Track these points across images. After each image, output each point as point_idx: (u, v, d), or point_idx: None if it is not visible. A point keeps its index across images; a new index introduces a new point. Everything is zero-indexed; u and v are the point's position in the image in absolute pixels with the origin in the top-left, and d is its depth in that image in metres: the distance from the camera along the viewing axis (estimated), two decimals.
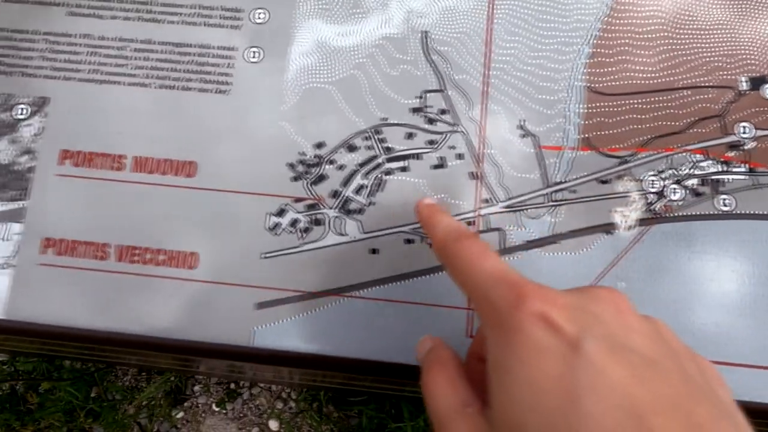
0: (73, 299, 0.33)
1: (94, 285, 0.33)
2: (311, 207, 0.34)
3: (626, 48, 0.35)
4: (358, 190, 0.34)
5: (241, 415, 0.84)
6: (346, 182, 0.34)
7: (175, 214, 0.34)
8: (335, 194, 0.34)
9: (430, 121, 0.35)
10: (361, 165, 0.34)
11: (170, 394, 0.84)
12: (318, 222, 0.33)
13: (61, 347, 0.38)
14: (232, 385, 0.85)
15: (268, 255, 0.33)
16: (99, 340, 0.33)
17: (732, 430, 0.17)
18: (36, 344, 0.39)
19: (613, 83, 0.34)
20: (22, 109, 0.35)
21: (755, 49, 0.34)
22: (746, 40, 0.35)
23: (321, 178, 0.34)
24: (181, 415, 0.84)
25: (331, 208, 0.34)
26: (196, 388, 0.85)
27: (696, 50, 0.35)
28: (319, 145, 0.35)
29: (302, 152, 0.34)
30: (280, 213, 0.34)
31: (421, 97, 0.35)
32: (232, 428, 0.83)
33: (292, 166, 0.34)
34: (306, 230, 0.33)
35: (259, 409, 0.84)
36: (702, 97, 0.34)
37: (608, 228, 0.33)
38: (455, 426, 0.21)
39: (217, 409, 0.84)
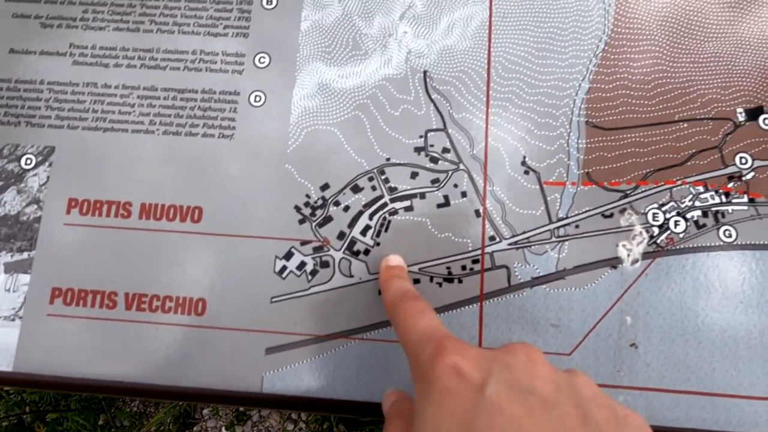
0: (82, 349, 0.33)
1: (103, 334, 0.33)
2: (318, 249, 0.34)
3: (623, 82, 0.35)
4: (364, 230, 0.34)
5: None
6: (352, 223, 0.34)
7: (182, 260, 0.34)
8: (341, 236, 0.34)
9: (433, 159, 0.35)
10: (366, 206, 0.34)
11: (179, 419, 0.84)
12: (325, 264, 0.34)
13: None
14: (242, 408, 0.84)
15: (276, 299, 0.33)
16: (108, 390, 0.33)
17: None
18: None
19: (612, 118, 0.35)
20: (28, 159, 0.36)
21: (751, 80, 0.35)
22: (742, 71, 0.35)
23: (327, 220, 0.34)
24: None
25: (337, 250, 0.34)
26: (205, 411, 0.84)
27: (692, 83, 0.35)
28: (324, 187, 0.35)
29: (308, 194, 0.35)
30: (287, 256, 0.34)
31: (423, 137, 0.35)
32: None
33: (298, 208, 0.35)
34: (313, 273, 0.34)
35: None
36: (700, 129, 0.34)
37: (613, 262, 0.33)
38: None
39: None
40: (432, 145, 0.35)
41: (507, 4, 0.37)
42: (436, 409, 0.21)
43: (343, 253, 0.34)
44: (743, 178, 0.34)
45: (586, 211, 0.34)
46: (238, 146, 0.36)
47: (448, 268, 0.33)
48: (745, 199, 0.33)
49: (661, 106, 0.35)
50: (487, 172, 0.35)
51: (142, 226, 0.35)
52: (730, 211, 0.33)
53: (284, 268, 0.34)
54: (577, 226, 0.34)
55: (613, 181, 0.34)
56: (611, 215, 0.34)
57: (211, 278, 0.34)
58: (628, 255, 0.33)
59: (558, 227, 0.34)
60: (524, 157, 0.35)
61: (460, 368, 0.21)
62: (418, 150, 0.35)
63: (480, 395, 0.20)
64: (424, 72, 0.36)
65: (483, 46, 0.37)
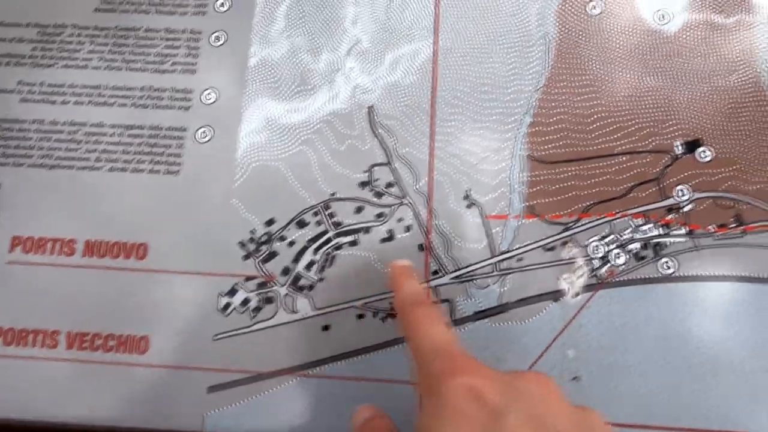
0: (23, 391, 0.33)
1: (44, 375, 0.33)
2: (262, 285, 0.34)
3: (564, 116, 0.36)
4: (309, 266, 0.34)
5: None
6: (297, 259, 0.34)
7: (126, 298, 0.34)
8: (286, 271, 0.34)
9: (378, 194, 0.35)
10: (312, 241, 0.35)
11: None
12: (269, 300, 0.34)
13: None
14: None
15: (219, 336, 0.33)
16: (47, 431, 0.32)
17: None
18: None
19: (554, 151, 0.35)
20: None
21: (688, 113, 0.36)
22: (679, 105, 0.36)
23: (271, 256, 0.34)
24: None
25: (281, 286, 0.34)
26: None
27: (631, 117, 0.36)
28: (270, 222, 0.35)
29: (253, 230, 0.35)
30: (232, 292, 0.34)
31: (368, 171, 0.36)
32: None
33: (242, 244, 0.35)
34: (257, 309, 0.34)
35: None
36: (639, 162, 0.35)
37: (555, 295, 0.33)
38: None
39: None
40: (377, 180, 0.36)
41: (451, 40, 0.38)
42: (447, 429, 0.20)
43: (288, 288, 0.34)
44: (682, 210, 0.34)
45: (528, 245, 0.34)
46: (184, 182, 0.36)
47: (391, 303, 0.33)
48: (684, 231, 0.34)
49: (601, 140, 0.36)
50: (431, 206, 0.35)
51: (86, 264, 0.35)
52: (669, 243, 0.34)
53: (228, 304, 0.34)
54: (519, 260, 0.34)
55: (554, 214, 0.35)
56: (553, 248, 0.34)
57: (155, 316, 0.34)
58: (570, 288, 0.33)
59: (500, 261, 0.34)
60: (468, 191, 0.35)
61: (477, 390, 0.20)
62: (363, 185, 0.35)
63: (497, 423, 0.19)
64: (370, 107, 0.37)
65: (427, 81, 0.37)
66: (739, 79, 0.36)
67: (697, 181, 0.35)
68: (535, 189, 0.35)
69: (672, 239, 0.34)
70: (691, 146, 0.35)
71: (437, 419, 0.20)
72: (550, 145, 0.36)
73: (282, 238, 0.35)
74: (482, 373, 0.21)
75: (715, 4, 0.38)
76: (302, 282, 0.34)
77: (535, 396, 0.20)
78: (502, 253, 0.34)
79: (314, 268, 0.34)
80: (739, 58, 0.37)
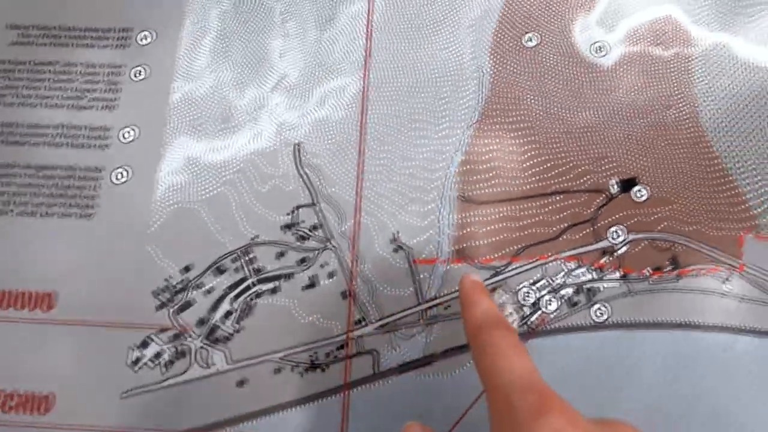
0: None
1: None
2: (176, 337, 0.32)
3: (497, 154, 0.35)
4: (226, 316, 0.32)
5: None
6: (214, 308, 0.33)
7: (30, 352, 0.32)
8: (201, 322, 0.32)
9: (302, 238, 0.34)
10: (230, 288, 0.33)
11: None
12: (182, 353, 0.32)
13: None
14: None
15: (128, 393, 0.31)
16: None
17: None
18: None
19: (485, 191, 0.34)
20: None
21: (624, 150, 0.34)
22: (615, 141, 0.35)
23: (187, 305, 0.33)
24: None
25: (196, 338, 0.32)
26: None
27: (566, 154, 0.34)
28: (186, 269, 0.33)
29: (168, 277, 0.33)
30: (143, 345, 0.32)
31: (292, 213, 0.34)
32: None
33: (157, 293, 0.33)
34: (169, 363, 0.32)
35: None
36: (574, 202, 0.34)
37: None
38: None
39: None
40: (301, 222, 0.34)
41: (382, 73, 0.37)
42: None
43: (202, 341, 0.32)
44: (616, 253, 0.33)
45: (456, 290, 0.32)
46: (97, 227, 0.34)
47: (311, 355, 0.32)
48: (618, 275, 0.32)
49: (534, 179, 0.34)
50: (357, 251, 0.33)
51: None
52: (602, 288, 0.32)
53: (139, 358, 0.32)
54: (446, 307, 0.32)
55: (485, 257, 0.33)
56: None
57: (61, 371, 0.32)
58: None
59: (427, 308, 0.32)
60: (395, 234, 0.33)
61: None
62: (286, 228, 0.34)
63: None
64: (296, 145, 0.35)
65: (356, 117, 0.36)
66: (676, 115, 0.35)
67: (632, 221, 0.33)
68: (465, 231, 0.33)
69: (605, 284, 0.32)
70: (627, 185, 0.34)
71: None
72: (481, 185, 0.34)
73: (199, 286, 0.33)
74: (575, 419, 0.19)
75: (653, 36, 0.37)
76: (218, 333, 0.32)
77: None
78: (430, 300, 0.32)
79: (232, 318, 0.32)
80: (676, 92, 0.35)
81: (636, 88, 0.36)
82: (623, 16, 0.37)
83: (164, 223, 0.34)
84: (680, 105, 0.35)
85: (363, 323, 0.32)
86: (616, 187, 0.34)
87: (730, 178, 0.34)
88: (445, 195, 0.34)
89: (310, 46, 0.37)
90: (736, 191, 0.33)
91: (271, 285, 0.33)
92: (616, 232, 0.33)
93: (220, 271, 0.33)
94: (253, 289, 0.33)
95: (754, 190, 0.33)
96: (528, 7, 0.37)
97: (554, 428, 0.19)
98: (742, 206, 0.33)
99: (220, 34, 0.38)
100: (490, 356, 0.22)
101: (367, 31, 0.37)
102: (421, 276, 0.33)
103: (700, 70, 0.36)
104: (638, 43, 0.37)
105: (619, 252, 0.33)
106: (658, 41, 0.37)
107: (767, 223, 0.33)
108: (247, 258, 0.33)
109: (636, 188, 0.34)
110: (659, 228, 0.33)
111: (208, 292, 0.33)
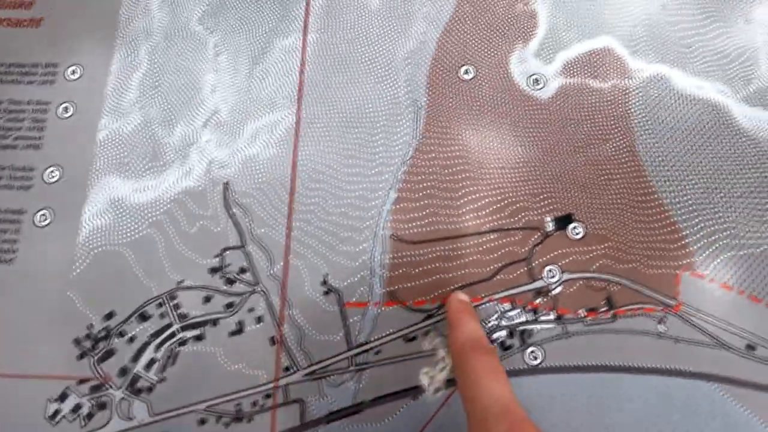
0: None
1: None
2: (96, 388, 0.31)
3: (432, 191, 0.34)
4: (149, 365, 0.31)
5: None
6: (136, 357, 0.31)
7: None
8: (123, 372, 0.31)
9: (229, 281, 0.33)
10: (154, 336, 0.32)
11: None
12: (102, 405, 0.31)
13: None
14: None
15: None
16: None
17: None
18: None
19: (419, 230, 0.33)
20: None
21: (560, 186, 0.34)
22: (551, 176, 0.34)
23: (109, 354, 0.31)
24: None
25: (117, 389, 0.31)
26: None
27: (501, 190, 0.34)
28: (109, 316, 0.32)
29: (90, 325, 0.32)
30: (62, 398, 0.31)
31: (219, 256, 0.33)
32: None
33: (77, 341, 0.32)
34: (89, 416, 0.30)
35: None
36: (509, 240, 0.33)
37: (414, 392, 0.30)
38: None
39: None
40: (228, 265, 0.33)
41: (315, 109, 0.36)
42: None
43: (124, 391, 0.31)
44: (551, 293, 0.32)
45: (387, 335, 0.32)
46: (17, 272, 0.33)
47: (237, 405, 0.31)
48: (552, 316, 0.32)
49: (470, 216, 0.33)
50: (286, 294, 0.32)
51: None
52: (537, 330, 0.31)
53: (57, 412, 0.30)
54: (377, 352, 0.31)
55: (417, 300, 0.32)
56: (414, 338, 0.31)
57: None
58: (431, 383, 0.30)
59: (357, 354, 0.31)
60: (325, 276, 0.33)
61: None
62: (213, 271, 0.33)
63: None
64: (225, 184, 0.34)
65: (288, 154, 0.35)
66: (614, 148, 0.34)
67: (568, 260, 0.32)
68: (397, 272, 0.32)
69: (539, 326, 0.31)
70: (563, 222, 0.33)
71: None
72: (415, 224, 0.33)
73: (121, 334, 0.32)
74: None
75: (590, 68, 0.36)
76: (141, 384, 0.31)
77: None
78: (360, 345, 0.31)
79: (155, 367, 0.31)
80: (614, 125, 0.35)
81: (573, 121, 0.35)
82: (560, 48, 0.36)
83: (87, 268, 0.33)
84: (618, 138, 0.35)
85: (291, 371, 0.31)
86: (551, 224, 0.33)
87: (668, 213, 0.33)
88: (378, 234, 0.33)
89: (242, 81, 0.36)
90: (674, 227, 0.33)
91: (196, 331, 0.32)
92: (551, 271, 0.32)
93: (145, 317, 0.32)
94: (178, 336, 0.32)
95: (692, 226, 0.33)
96: (465, 39, 0.37)
97: None
98: (680, 243, 0.33)
99: (151, 69, 0.37)
100: (472, 380, 0.23)
101: (301, 65, 0.36)
102: (352, 320, 0.32)
103: (638, 103, 0.35)
104: (576, 75, 0.36)
105: (554, 292, 0.32)
106: (596, 73, 0.36)
107: (704, 260, 0.32)
108: (172, 303, 0.32)
109: (572, 225, 0.33)
110: (595, 267, 0.32)
111: (131, 340, 0.32)
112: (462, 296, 0.29)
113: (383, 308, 0.32)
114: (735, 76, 0.36)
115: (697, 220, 0.33)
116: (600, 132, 0.35)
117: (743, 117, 0.35)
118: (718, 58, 0.36)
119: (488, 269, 0.32)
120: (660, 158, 0.34)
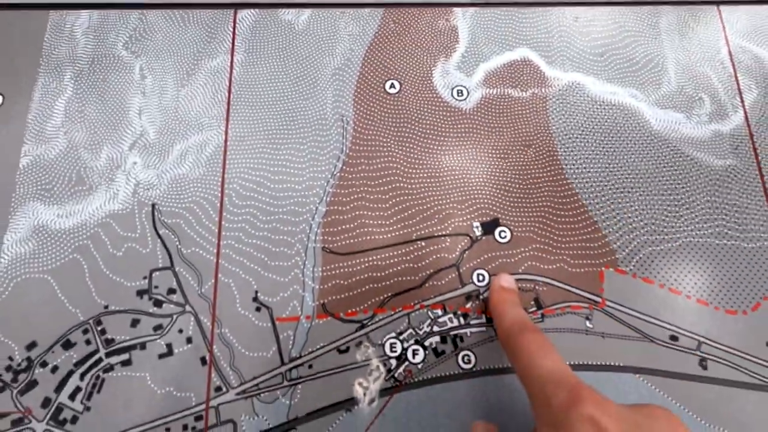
0: None
1: None
2: (17, 422, 0.30)
3: (361, 203, 0.34)
4: (73, 394, 0.30)
5: None
6: (60, 387, 0.30)
7: None
8: (46, 403, 0.30)
9: (157, 303, 0.32)
10: (78, 364, 0.31)
11: None
12: None
13: None
14: None
15: None
16: None
17: None
18: None
19: (349, 241, 0.33)
20: None
21: (486, 191, 0.35)
22: (477, 183, 0.35)
23: (31, 386, 0.30)
24: None
25: (40, 421, 0.30)
26: None
27: (429, 199, 0.34)
28: (31, 346, 0.31)
29: (11, 356, 0.31)
30: None
31: (147, 277, 0.32)
32: None
33: None
34: None
35: None
36: (438, 247, 0.33)
37: (349, 404, 0.30)
38: None
39: None
40: (156, 287, 0.32)
41: (243, 127, 0.36)
42: None
43: (47, 423, 0.30)
44: (481, 297, 0.32)
45: (320, 348, 0.31)
46: None
47: (167, 429, 0.30)
48: (483, 319, 0.32)
49: (398, 225, 0.34)
50: (216, 313, 0.32)
51: None
52: (468, 334, 0.32)
53: None
54: (310, 366, 0.31)
55: (349, 311, 0.32)
56: (347, 350, 0.31)
57: None
58: (365, 394, 0.30)
59: (290, 369, 0.31)
60: (256, 293, 0.32)
61: (601, 424, 0.20)
62: (141, 293, 0.32)
63: None
64: (153, 205, 0.34)
65: (217, 173, 0.35)
66: (536, 153, 0.35)
67: (496, 263, 0.33)
68: (328, 285, 0.32)
69: (471, 330, 0.32)
70: (490, 227, 0.34)
71: None
72: (345, 236, 0.33)
73: (44, 364, 0.31)
74: (607, 407, 0.21)
75: (510, 78, 0.37)
76: (65, 414, 0.30)
77: None
78: (292, 360, 0.31)
79: (79, 396, 0.30)
80: (534, 132, 0.36)
81: (496, 128, 0.36)
82: (481, 60, 0.38)
83: (8, 297, 0.32)
84: (539, 144, 0.36)
85: (223, 390, 0.30)
86: (479, 229, 0.34)
87: (589, 213, 0.34)
88: (308, 248, 0.33)
89: (169, 102, 0.36)
90: (595, 227, 0.34)
91: (123, 356, 0.31)
92: (480, 275, 0.33)
93: (69, 344, 0.31)
94: (103, 363, 0.31)
95: (612, 225, 0.34)
96: (390, 54, 0.38)
97: (586, 415, 0.20)
98: (602, 241, 0.34)
99: (76, 94, 0.36)
100: (525, 359, 0.24)
101: (228, 85, 0.37)
102: (284, 335, 0.32)
103: (556, 109, 0.37)
104: (497, 86, 0.37)
105: (484, 296, 0.32)
106: (516, 83, 0.37)
107: (625, 257, 0.33)
108: (98, 329, 0.31)
109: (499, 229, 0.34)
110: (522, 268, 0.33)
111: (54, 369, 0.31)
112: (504, 282, 0.31)
113: (316, 321, 0.32)
114: (646, 81, 0.38)
115: (616, 219, 0.34)
116: (522, 138, 0.36)
117: (655, 119, 0.37)
118: (629, 65, 0.38)
119: (419, 276, 0.33)
120: (579, 161, 0.35)
